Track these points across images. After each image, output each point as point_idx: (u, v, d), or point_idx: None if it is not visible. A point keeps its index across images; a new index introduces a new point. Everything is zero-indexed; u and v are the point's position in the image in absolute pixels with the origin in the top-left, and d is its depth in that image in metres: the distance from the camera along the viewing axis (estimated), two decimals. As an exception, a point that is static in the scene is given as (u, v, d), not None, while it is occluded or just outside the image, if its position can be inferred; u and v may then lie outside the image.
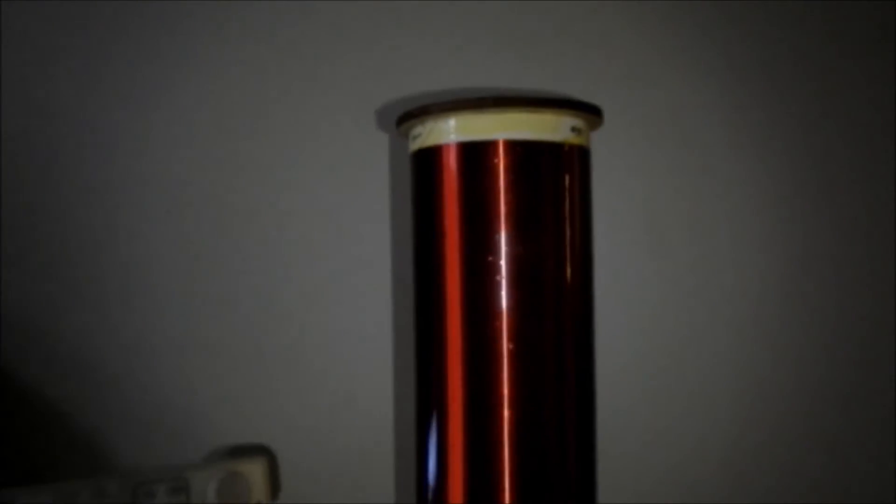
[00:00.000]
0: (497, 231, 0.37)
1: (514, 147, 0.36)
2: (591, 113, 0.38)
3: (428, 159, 0.38)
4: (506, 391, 0.36)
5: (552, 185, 0.37)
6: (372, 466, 0.71)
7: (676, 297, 0.68)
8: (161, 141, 0.75)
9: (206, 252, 0.77)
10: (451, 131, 0.37)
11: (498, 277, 0.37)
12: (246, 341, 0.77)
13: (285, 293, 0.76)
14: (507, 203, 0.37)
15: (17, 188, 0.73)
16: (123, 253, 0.73)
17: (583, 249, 0.39)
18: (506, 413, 0.37)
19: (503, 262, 0.36)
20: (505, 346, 0.37)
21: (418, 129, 0.38)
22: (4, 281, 0.65)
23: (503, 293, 0.37)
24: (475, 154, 0.37)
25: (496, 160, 0.37)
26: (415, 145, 0.39)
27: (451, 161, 0.37)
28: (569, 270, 0.38)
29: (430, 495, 0.39)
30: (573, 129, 0.37)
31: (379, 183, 0.69)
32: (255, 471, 0.51)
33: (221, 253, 0.76)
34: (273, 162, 0.74)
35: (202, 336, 0.78)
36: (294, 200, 0.75)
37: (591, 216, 0.40)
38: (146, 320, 0.75)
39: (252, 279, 0.75)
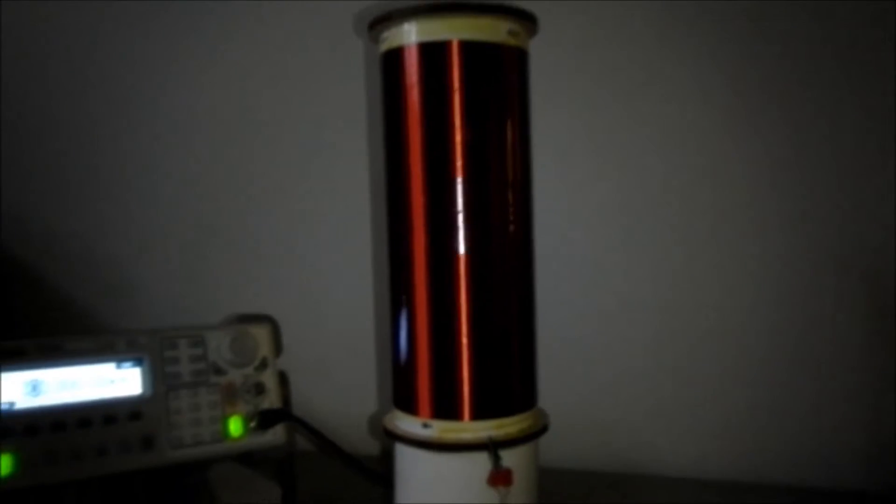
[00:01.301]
0: (452, 118, 0.45)
1: (464, 46, 0.45)
2: (525, 19, 0.46)
3: (394, 59, 0.47)
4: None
5: (495, 78, 0.46)
6: (356, 341, 0.82)
7: (615, 191, 0.76)
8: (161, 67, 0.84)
9: (207, 156, 0.87)
10: (412, 34, 0.45)
11: (453, 163, 0.45)
12: (250, 231, 0.87)
13: (277, 189, 0.85)
14: (459, 92, 0.45)
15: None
16: (146, 156, 0.84)
17: (522, 139, 0.48)
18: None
19: (458, 149, 0.45)
20: (461, 212, 0.46)
21: (385, 34, 0.47)
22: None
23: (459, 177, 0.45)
24: (432, 53, 0.45)
25: (449, 57, 0.45)
26: (383, 47, 0.47)
27: (413, 59, 0.46)
28: (511, 160, 0.47)
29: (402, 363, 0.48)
30: (510, 32, 0.45)
31: (356, 83, 0.78)
32: (261, 332, 0.61)
33: (221, 156, 0.86)
34: (257, 70, 0.83)
35: (217, 228, 0.88)
36: (277, 106, 0.84)
37: (528, 106, 0.48)
38: (169, 215, 0.86)
39: (248, 175, 0.85)
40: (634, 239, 0.76)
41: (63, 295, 0.91)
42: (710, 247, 0.75)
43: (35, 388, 0.52)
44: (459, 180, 0.45)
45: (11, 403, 0.51)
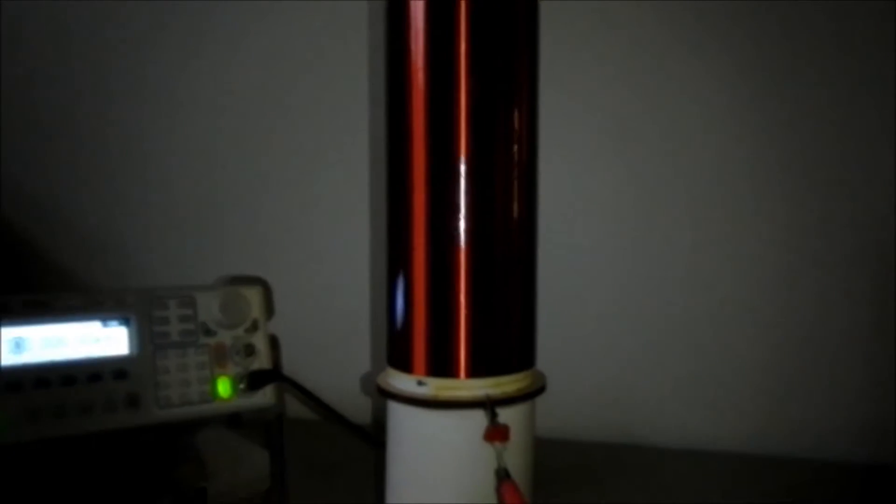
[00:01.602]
0: (458, 64, 0.44)
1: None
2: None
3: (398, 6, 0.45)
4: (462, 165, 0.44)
5: (507, 25, 0.44)
6: (350, 305, 0.81)
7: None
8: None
9: (204, 122, 0.85)
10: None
11: (458, 115, 0.44)
12: (244, 194, 0.85)
13: (273, 153, 0.84)
14: (466, 40, 0.43)
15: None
16: (138, 119, 0.82)
17: (531, 90, 0.46)
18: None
19: (462, 100, 0.44)
20: (462, 164, 0.44)
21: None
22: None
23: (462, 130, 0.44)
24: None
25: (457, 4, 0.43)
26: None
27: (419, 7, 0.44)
28: (517, 114, 0.45)
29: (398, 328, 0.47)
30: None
31: (357, 40, 0.77)
32: (253, 294, 0.60)
33: (218, 107, 0.85)
34: (252, 39, 0.82)
35: (211, 192, 0.86)
36: (274, 73, 0.83)
37: (537, 52, 0.47)
38: (163, 181, 0.85)
39: (243, 132, 0.84)
40: (646, 212, 0.76)
41: (50, 256, 0.89)
42: (721, 223, 0.75)
43: (19, 345, 0.51)
44: (463, 133, 0.44)
45: (-6, 359, 0.50)
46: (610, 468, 0.73)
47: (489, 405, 0.43)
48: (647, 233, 0.77)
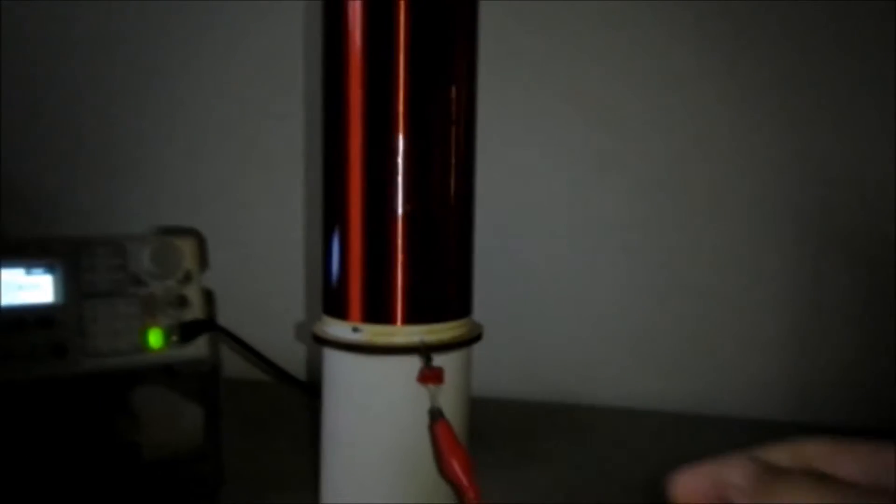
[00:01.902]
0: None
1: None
2: None
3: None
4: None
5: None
6: (283, 257, 0.80)
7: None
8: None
9: (145, 51, 0.83)
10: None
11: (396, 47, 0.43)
12: (179, 141, 0.83)
13: (208, 94, 0.82)
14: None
15: None
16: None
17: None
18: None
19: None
20: (400, 107, 0.44)
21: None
22: None
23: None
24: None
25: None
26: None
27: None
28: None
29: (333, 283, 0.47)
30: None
31: None
32: (186, 244, 0.58)
33: (156, 49, 0.82)
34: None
35: (134, 138, 0.84)
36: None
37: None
38: (91, 127, 0.82)
39: (179, 78, 0.82)
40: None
41: None
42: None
43: (-66, 289, 0.49)
44: (402, 71, 0.43)
45: None
46: (548, 427, 0.74)
47: (423, 349, 0.43)
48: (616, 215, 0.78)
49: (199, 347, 0.57)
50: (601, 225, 0.79)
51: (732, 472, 0.26)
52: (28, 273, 0.52)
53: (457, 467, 0.40)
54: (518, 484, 0.61)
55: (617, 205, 0.79)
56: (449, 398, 0.44)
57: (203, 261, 0.60)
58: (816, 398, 0.75)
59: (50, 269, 0.53)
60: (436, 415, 0.41)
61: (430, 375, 0.42)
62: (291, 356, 0.78)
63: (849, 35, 0.72)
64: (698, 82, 0.75)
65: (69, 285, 0.53)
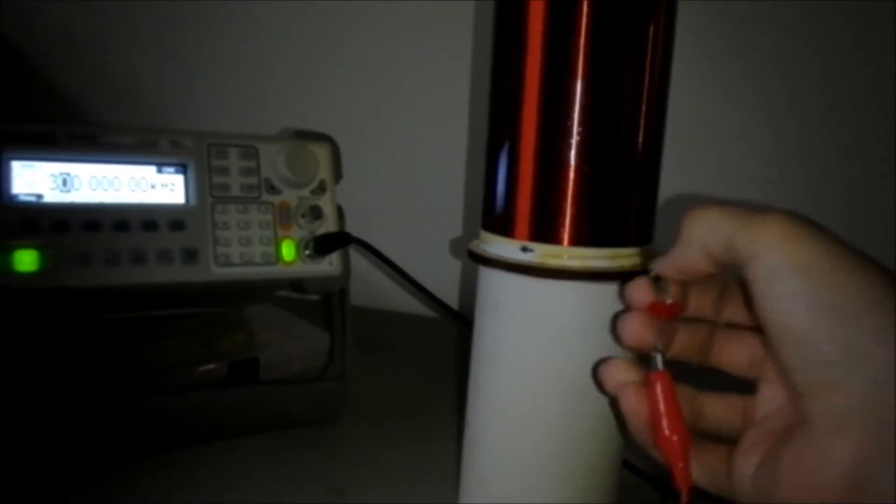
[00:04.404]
0: None
1: None
2: None
3: None
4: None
5: None
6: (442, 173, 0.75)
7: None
8: None
9: None
10: None
11: None
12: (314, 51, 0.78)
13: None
14: None
15: None
16: None
17: None
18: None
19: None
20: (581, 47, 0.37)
21: None
22: None
23: None
24: None
25: None
26: None
27: None
28: None
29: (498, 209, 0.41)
30: None
31: None
32: (321, 151, 0.53)
33: None
34: None
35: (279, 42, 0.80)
36: None
37: None
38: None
39: None
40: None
41: (68, 96, 0.84)
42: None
43: (66, 182, 0.45)
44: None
45: (39, 196, 0.45)
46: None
47: (653, 276, 0.36)
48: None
49: (332, 264, 0.52)
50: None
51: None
52: (159, 171, 0.48)
53: (674, 440, 0.33)
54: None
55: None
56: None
57: (337, 171, 0.55)
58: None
59: (181, 168, 0.49)
60: (656, 362, 0.34)
61: (664, 309, 0.35)
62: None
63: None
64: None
65: (201, 187, 0.49)
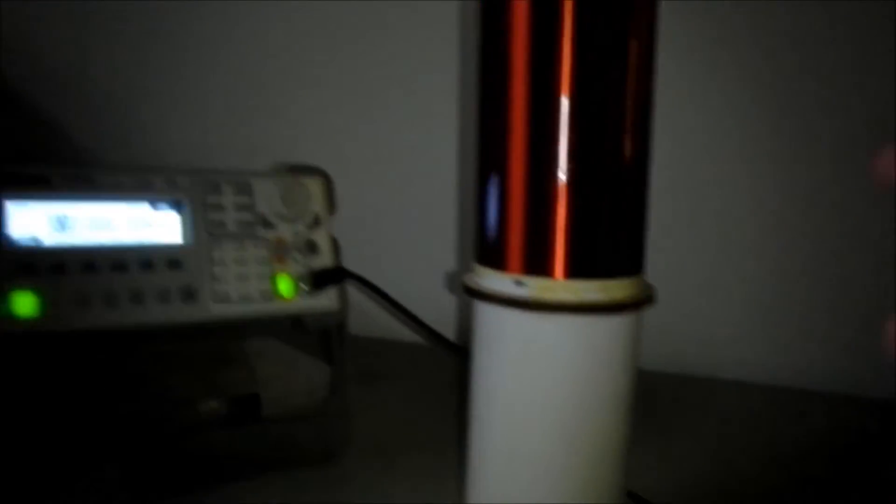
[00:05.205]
0: None
1: None
2: None
3: None
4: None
5: None
6: (434, 204, 0.75)
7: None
8: None
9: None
10: None
11: None
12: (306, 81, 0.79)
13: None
14: None
15: None
16: None
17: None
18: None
19: None
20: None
21: None
22: None
23: None
24: None
25: None
26: None
27: None
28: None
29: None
30: None
31: None
32: (314, 185, 0.54)
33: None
34: None
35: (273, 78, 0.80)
36: None
37: None
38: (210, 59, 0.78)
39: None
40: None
41: (67, 131, 0.84)
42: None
43: (62, 223, 0.46)
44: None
45: (36, 239, 0.45)
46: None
47: None
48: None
49: (329, 298, 0.53)
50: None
51: None
52: (154, 209, 0.49)
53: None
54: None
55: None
56: (617, 373, 0.38)
57: (331, 204, 0.55)
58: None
59: (177, 205, 0.49)
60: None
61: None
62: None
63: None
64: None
65: (197, 224, 0.49)
